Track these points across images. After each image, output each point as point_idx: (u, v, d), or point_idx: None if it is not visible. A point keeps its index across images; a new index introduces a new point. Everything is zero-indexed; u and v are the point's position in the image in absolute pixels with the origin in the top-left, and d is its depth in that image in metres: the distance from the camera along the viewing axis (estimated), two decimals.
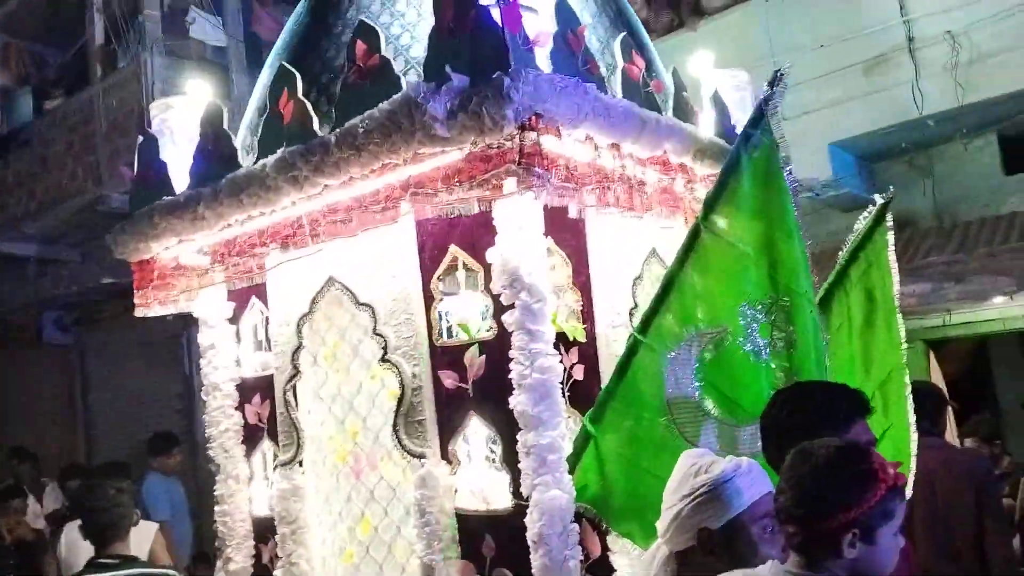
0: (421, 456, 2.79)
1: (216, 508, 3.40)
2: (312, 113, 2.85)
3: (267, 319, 3.36)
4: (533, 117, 2.30)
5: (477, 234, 2.71)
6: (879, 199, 3.19)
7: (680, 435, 2.56)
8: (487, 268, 2.70)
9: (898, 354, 3.04)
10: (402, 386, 2.84)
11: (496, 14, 2.38)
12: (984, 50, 5.69)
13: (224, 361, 3.45)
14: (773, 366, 2.51)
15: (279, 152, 2.82)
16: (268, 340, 3.41)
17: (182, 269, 3.49)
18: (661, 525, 2.06)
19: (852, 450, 1.72)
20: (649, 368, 2.58)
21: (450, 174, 2.48)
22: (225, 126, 3.18)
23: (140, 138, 3.53)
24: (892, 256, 3.12)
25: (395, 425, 2.85)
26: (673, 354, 2.56)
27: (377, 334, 2.91)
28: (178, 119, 3.52)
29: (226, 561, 3.35)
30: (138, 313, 3.56)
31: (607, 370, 2.78)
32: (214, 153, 3.15)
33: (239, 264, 3.28)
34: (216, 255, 3.35)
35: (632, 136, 2.65)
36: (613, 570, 2.69)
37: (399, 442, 2.84)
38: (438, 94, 2.36)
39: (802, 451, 1.75)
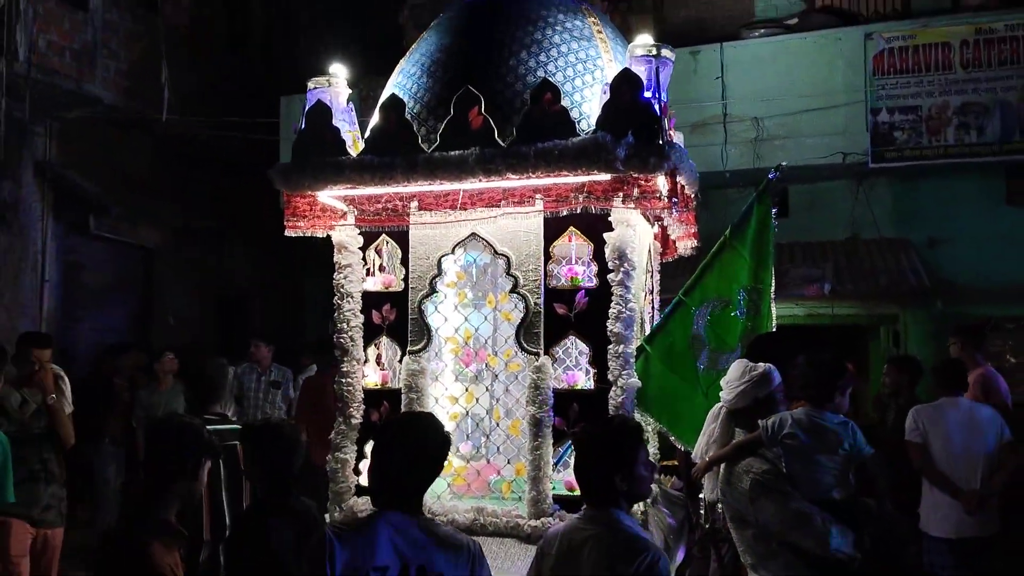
0: (536, 354, 4.49)
1: (342, 380, 4.75)
2: (494, 126, 4.40)
3: (399, 252, 4.76)
4: (674, 169, 4.14)
5: (593, 224, 4.46)
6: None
7: (692, 356, 4.57)
8: (596, 244, 4.47)
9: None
10: (526, 310, 4.50)
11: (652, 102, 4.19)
12: (771, 134, 8.39)
13: (355, 277, 4.80)
14: (746, 324, 4.60)
15: (473, 150, 4.33)
16: (390, 267, 4.83)
17: (329, 208, 4.79)
18: (728, 395, 4.02)
19: (836, 357, 3.84)
20: (685, 317, 4.56)
21: (608, 188, 4.24)
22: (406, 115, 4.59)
23: (307, 104, 4.75)
24: None
25: (518, 334, 4.51)
26: (698, 310, 4.56)
27: (510, 275, 4.55)
28: (331, 95, 4.81)
29: (348, 417, 4.73)
30: (288, 233, 4.80)
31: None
32: (399, 136, 4.52)
33: (386, 212, 4.70)
34: (366, 203, 4.72)
35: (690, 183, 4.59)
36: None
37: (520, 344, 4.50)
38: (619, 144, 4.10)
39: (811, 356, 3.83)
